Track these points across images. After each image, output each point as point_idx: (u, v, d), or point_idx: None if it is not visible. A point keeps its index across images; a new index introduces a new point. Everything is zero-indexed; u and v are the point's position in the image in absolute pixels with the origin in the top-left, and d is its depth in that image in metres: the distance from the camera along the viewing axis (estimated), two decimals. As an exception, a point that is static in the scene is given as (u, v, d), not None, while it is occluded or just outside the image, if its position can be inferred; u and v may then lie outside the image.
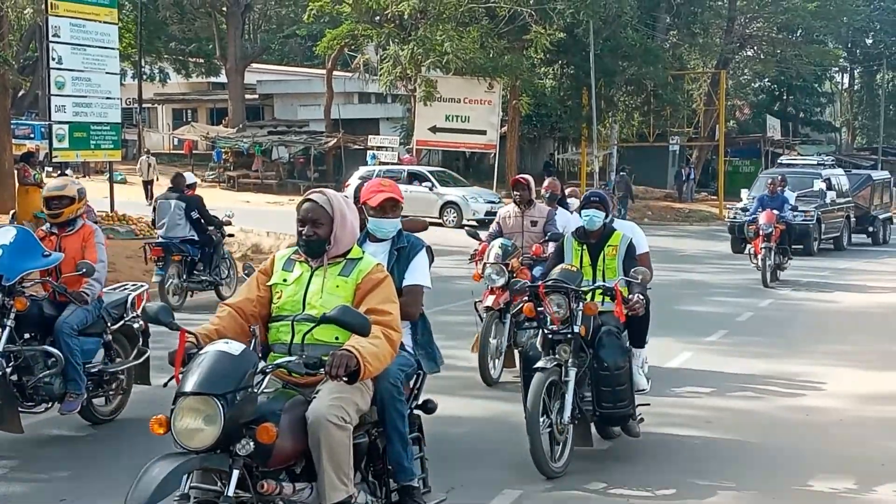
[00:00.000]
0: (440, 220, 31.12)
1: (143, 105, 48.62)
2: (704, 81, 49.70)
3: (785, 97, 65.05)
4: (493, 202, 32.51)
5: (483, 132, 36.68)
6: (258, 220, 28.66)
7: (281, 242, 25.00)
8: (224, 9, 50.00)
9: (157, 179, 34.51)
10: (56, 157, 21.08)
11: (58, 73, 19.90)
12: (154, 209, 15.33)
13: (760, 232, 18.41)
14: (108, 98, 21.04)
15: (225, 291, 15.06)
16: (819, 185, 26.76)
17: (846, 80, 77.79)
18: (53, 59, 19.81)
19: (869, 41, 71.85)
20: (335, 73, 47.21)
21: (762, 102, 65.11)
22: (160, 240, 14.73)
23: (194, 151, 50.01)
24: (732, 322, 14.67)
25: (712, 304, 16.69)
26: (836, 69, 71.51)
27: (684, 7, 47.05)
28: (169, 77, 53.16)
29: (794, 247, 21.47)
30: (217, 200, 36.57)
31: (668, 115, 45.37)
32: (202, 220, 14.83)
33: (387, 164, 35.76)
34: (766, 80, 62.74)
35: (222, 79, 53.13)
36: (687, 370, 11.13)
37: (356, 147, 43.05)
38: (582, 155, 43.90)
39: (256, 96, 55.22)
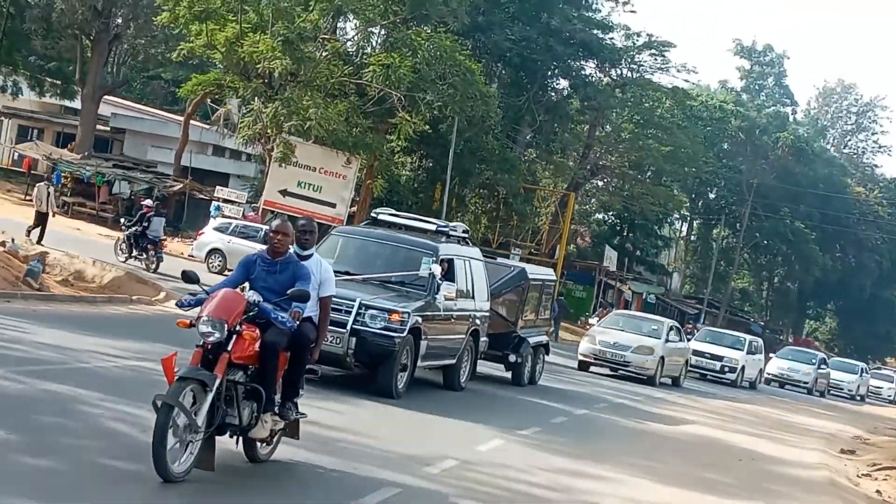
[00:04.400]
0: None
1: (-12, 115, 46.86)
2: (553, 201, 51.02)
3: (625, 233, 67.34)
4: None
5: (333, 205, 36.39)
6: (85, 248, 27.71)
7: (106, 273, 24.15)
8: (92, 35, 48.86)
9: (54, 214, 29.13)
10: None
11: None
12: None
13: None
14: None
15: None
16: (431, 268, 14.55)
17: (685, 229, 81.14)
18: None
19: (712, 195, 75.37)
20: (193, 122, 46.54)
21: (603, 233, 67.19)
22: None
23: (33, 171, 48.23)
24: (547, 422, 14.73)
25: (527, 404, 16.72)
26: (677, 216, 74.63)
27: (547, 125, 48.44)
28: (21, 92, 51.51)
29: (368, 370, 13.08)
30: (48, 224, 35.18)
31: (514, 224, 46.27)
32: None
33: (233, 218, 35.10)
34: (612, 212, 64.84)
35: (77, 105, 51.75)
36: (495, 456, 11.03)
37: (201, 197, 42.36)
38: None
39: (108, 129, 53.95)
